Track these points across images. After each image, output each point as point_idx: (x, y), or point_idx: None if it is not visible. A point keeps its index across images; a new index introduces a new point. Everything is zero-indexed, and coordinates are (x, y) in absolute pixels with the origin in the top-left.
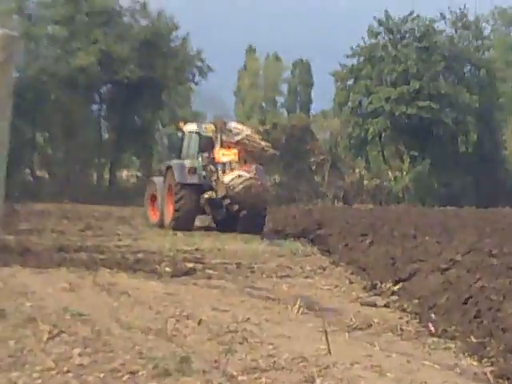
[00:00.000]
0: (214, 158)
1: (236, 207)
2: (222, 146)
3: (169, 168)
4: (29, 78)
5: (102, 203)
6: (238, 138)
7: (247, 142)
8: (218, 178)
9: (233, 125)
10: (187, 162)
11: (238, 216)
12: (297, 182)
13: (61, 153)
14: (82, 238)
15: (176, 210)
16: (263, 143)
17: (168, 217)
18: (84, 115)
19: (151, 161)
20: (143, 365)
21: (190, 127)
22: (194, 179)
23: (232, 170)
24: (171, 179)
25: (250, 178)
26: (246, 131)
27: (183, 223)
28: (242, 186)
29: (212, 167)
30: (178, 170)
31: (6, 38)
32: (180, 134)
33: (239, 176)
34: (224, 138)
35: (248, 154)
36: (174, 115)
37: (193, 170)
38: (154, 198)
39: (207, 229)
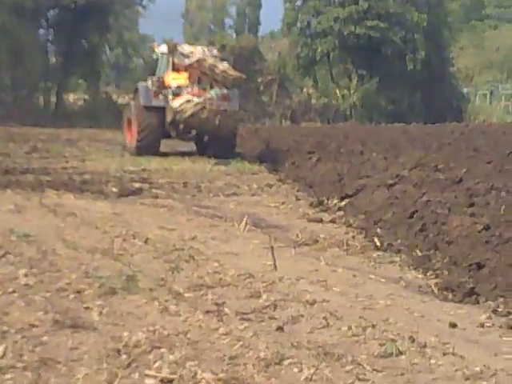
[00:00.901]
0: (163, 82)
1: (193, 132)
2: (173, 69)
3: (136, 90)
4: None
5: (48, 126)
6: (190, 61)
7: (202, 65)
8: (167, 102)
9: (185, 47)
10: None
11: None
12: (244, 102)
13: (7, 78)
14: (29, 160)
15: (139, 133)
16: (222, 66)
17: (133, 140)
18: (31, 40)
19: (99, 84)
20: (89, 284)
21: (162, 49)
22: (158, 102)
23: (181, 94)
24: (137, 102)
25: (199, 102)
26: (200, 54)
27: (147, 147)
28: (190, 111)
29: (163, 91)
30: (143, 93)
31: None
32: (154, 56)
33: (188, 101)
34: (176, 60)
35: (208, 78)
36: (122, 38)
37: (158, 92)
38: (130, 122)
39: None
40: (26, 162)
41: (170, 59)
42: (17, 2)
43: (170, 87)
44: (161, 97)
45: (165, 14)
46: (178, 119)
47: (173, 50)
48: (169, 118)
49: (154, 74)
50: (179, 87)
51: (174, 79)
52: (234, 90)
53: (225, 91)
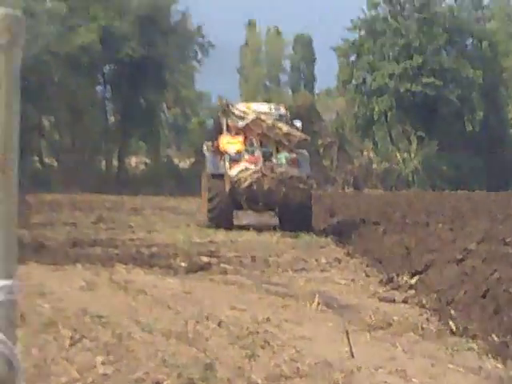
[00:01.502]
0: (218, 147)
1: (259, 202)
2: (228, 131)
3: (197, 155)
4: (31, 58)
5: (111, 192)
6: (244, 122)
7: (259, 125)
8: (225, 170)
9: (239, 107)
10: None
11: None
12: None
13: (68, 138)
14: (96, 230)
15: (208, 203)
16: (285, 127)
17: (204, 211)
18: (89, 97)
19: (159, 145)
20: (168, 373)
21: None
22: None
23: (239, 161)
24: (205, 169)
25: (257, 171)
26: (255, 114)
27: (218, 218)
28: (248, 181)
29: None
30: (209, 159)
31: (9, 18)
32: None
33: (245, 169)
34: (229, 122)
35: (271, 141)
36: (179, 96)
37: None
38: None
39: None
40: (94, 233)
41: (224, 121)
42: (73, 56)
43: (226, 152)
44: (222, 164)
45: (220, 70)
46: (237, 189)
47: (225, 110)
48: (227, 187)
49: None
50: (238, 152)
51: (229, 143)
52: (304, 153)
53: (294, 155)
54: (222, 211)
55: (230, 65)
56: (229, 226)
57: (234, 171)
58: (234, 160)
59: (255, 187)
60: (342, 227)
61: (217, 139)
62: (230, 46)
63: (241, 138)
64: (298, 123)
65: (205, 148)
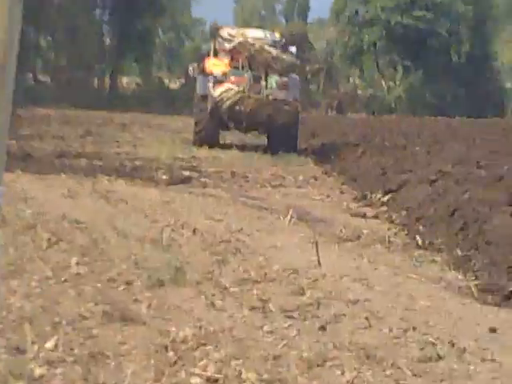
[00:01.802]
0: (203, 68)
1: (244, 122)
2: (215, 54)
3: (187, 76)
4: None
5: (102, 109)
6: (231, 45)
7: (249, 49)
8: (208, 90)
9: (227, 30)
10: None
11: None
12: None
13: (63, 58)
14: (82, 144)
15: (196, 124)
16: (274, 51)
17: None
18: (87, 20)
19: (151, 67)
20: (139, 275)
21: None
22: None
23: (222, 81)
24: (196, 91)
25: (239, 91)
26: (243, 39)
27: (204, 138)
28: (229, 100)
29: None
30: (200, 81)
31: None
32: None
33: (228, 89)
34: (217, 45)
35: (260, 64)
36: (174, 22)
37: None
38: None
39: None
40: (80, 146)
41: (212, 43)
42: None
43: (211, 74)
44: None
45: None
46: (219, 109)
47: (213, 32)
48: (209, 107)
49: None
50: (224, 74)
51: (214, 65)
52: (295, 78)
53: (285, 79)
54: (208, 132)
55: None
56: (214, 145)
57: (217, 91)
58: (220, 81)
59: (238, 107)
60: (322, 148)
61: (203, 61)
62: None
63: (227, 60)
64: (293, 49)
65: (190, 69)
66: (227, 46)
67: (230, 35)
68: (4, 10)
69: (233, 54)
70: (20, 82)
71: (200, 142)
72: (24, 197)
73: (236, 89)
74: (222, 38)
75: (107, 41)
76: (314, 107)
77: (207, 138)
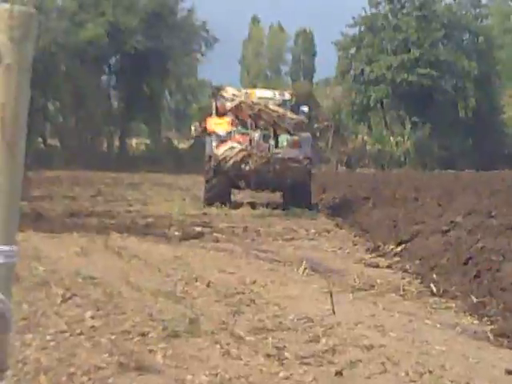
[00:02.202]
0: (205, 128)
1: (252, 181)
2: (217, 114)
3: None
4: (40, 50)
5: (112, 170)
6: (232, 104)
7: (251, 108)
8: (208, 152)
9: (229, 90)
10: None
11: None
12: None
13: (72, 122)
14: (93, 203)
15: (206, 182)
16: (280, 110)
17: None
18: (94, 85)
19: (160, 128)
20: (153, 326)
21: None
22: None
23: (225, 140)
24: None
25: (242, 149)
26: (242, 99)
27: (215, 197)
28: (233, 159)
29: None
30: (208, 141)
31: (22, 14)
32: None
33: (231, 148)
34: (218, 104)
35: (266, 121)
36: (181, 84)
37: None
38: None
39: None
40: (91, 205)
41: (213, 103)
42: (80, 48)
43: (214, 133)
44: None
45: (222, 60)
46: (222, 167)
47: (214, 92)
48: (212, 165)
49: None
50: (228, 133)
51: (216, 124)
52: (306, 136)
53: (296, 137)
54: (218, 191)
55: (232, 57)
56: (225, 203)
57: (220, 150)
58: (224, 140)
59: (243, 165)
60: (333, 202)
61: (205, 120)
62: (233, 39)
63: (228, 119)
64: (305, 108)
65: (193, 129)
66: (229, 105)
67: (232, 95)
68: (13, 82)
69: (235, 113)
70: (30, 146)
71: (210, 201)
72: (37, 255)
73: (239, 147)
74: (223, 97)
75: (115, 104)
76: (324, 163)
77: (217, 196)
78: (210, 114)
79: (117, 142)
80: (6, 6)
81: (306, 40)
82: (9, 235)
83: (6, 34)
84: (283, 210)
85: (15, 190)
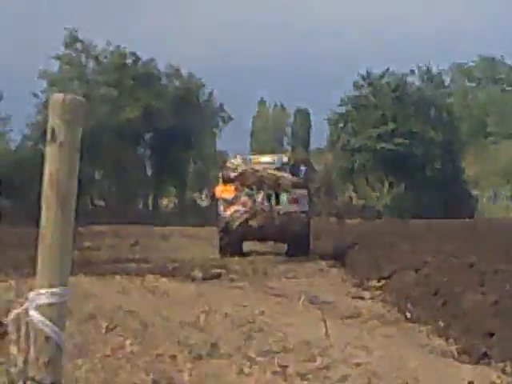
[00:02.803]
0: (214, 194)
1: (259, 235)
2: (223, 181)
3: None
4: (87, 130)
5: (147, 224)
6: (235, 173)
7: (253, 175)
8: (218, 213)
9: (232, 161)
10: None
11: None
12: None
13: (113, 186)
14: (132, 251)
15: (220, 239)
16: (278, 174)
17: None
18: (131, 156)
19: (185, 190)
20: (181, 350)
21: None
22: None
23: (232, 203)
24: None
25: (246, 212)
26: (245, 168)
27: (227, 248)
28: (238, 221)
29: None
30: (218, 205)
31: (73, 102)
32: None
33: (236, 211)
34: (224, 173)
35: (267, 184)
36: (202, 154)
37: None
38: None
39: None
40: (130, 253)
41: (220, 173)
42: (120, 127)
43: (221, 198)
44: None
45: (235, 132)
46: (230, 228)
47: (222, 164)
48: (221, 226)
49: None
50: (235, 197)
51: (222, 191)
52: (303, 193)
53: (295, 195)
54: (231, 245)
55: (244, 129)
56: (238, 253)
57: (227, 213)
58: (231, 203)
59: (250, 223)
60: (326, 247)
61: (214, 188)
62: (244, 116)
63: (234, 186)
64: (303, 167)
65: (203, 195)
66: (232, 175)
67: (234, 165)
68: (65, 156)
69: (240, 180)
70: (80, 207)
71: (224, 252)
72: (85, 294)
73: (243, 209)
74: (228, 168)
75: (149, 171)
76: (317, 216)
77: (230, 248)
78: (217, 182)
79: (150, 202)
80: (60, 95)
81: (303, 117)
82: (62, 279)
83: (59, 117)
84: (286, 255)
85: (67, 242)
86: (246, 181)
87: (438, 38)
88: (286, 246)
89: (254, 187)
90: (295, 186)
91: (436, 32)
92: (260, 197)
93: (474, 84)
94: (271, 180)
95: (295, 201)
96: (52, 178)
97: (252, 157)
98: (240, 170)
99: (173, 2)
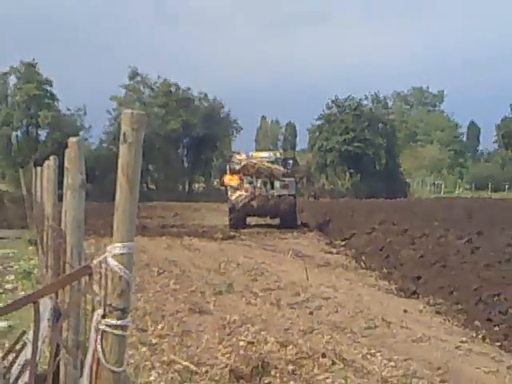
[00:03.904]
0: (223, 181)
1: (258, 213)
2: (230, 172)
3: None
4: (146, 135)
5: (184, 201)
6: (238, 166)
7: (253, 167)
8: (227, 197)
9: (236, 157)
10: None
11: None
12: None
13: (162, 175)
14: (174, 220)
15: (229, 215)
16: (275, 166)
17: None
18: (174, 155)
19: (210, 178)
20: (208, 288)
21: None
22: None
23: (237, 189)
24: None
25: (247, 196)
26: (247, 161)
27: (234, 224)
28: (241, 203)
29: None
30: (228, 190)
31: (138, 115)
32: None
33: (239, 196)
34: (231, 166)
35: (264, 175)
36: (222, 154)
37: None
38: None
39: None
40: (173, 221)
41: (228, 166)
42: (167, 134)
43: (228, 185)
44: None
45: (244, 139)
46: (235, 208)
47: (228, 159)
48: (229, 207)
49: None
50: (239, 184)
51: (229, 180)
52: (292, 180)
53: (284, 182)
54: (237, 221)
55: (250, 137)
56: (242, 227)
57: (233, 196)
58: (236, 189)
59: (250, 204)
60: (307, 218)
61: (223, 178)
62: (251, 127)
63: (237, 176)
64: (290, 161)
65: (215, 183)
66: (237, 167)
67: (238, 160)
68: (132, 152)
69: (242, 171)
70: (140, 189)
71: (232, 227)
72: (142, 249)
73: (245, 194)
74: (233, 162)
75: (186, 165)
76: (301, 197)
77: (237, 223)
78: (226, 173)
79: (187, 186)
80: (130, 110)
81: (291, 128)
82: (130, 237)
83: (129, 126)
84: (279, 227)
85: (133, 212)
86: (247, 171)
87: (383, 74)
88: (278, 220)
89: (254, 176)
90: (285, 175)
91: (380, 69)
92: (258, 183)
93: (408, 106)
94: (267, 171)
95: (285, 186)
96: (123, 168)
97: (253, 153)
98: (243, 163)
99: (203, 49)
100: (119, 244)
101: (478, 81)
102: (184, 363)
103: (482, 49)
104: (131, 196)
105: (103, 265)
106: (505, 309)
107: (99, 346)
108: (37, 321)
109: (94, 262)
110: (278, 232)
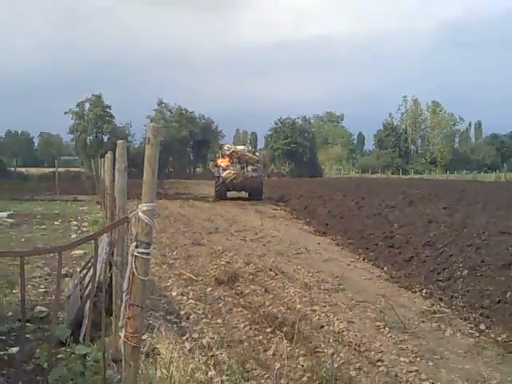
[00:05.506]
0: (216, 163)
1: (237, 188)
2: (221, 157)
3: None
4: (164, 139)
5: (190, 179)
6: (228, 152)
7: (237, 154)
8: (219, 174)
9: (226, 146)
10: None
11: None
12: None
13: (176, 163)
14: (184, 190)
15: (215, 189)
16: (250, 155)
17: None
18: (184, 151)
19: (206, 164)
20: (203, 230)
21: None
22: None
23: (226, 169)
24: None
25: (234, 173)
26: (234, 149)
27: (219, 195)
28: (230, 178)
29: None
30: (216, 170)
31: (156, 128)
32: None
33: (229, 173)
34: (221, 153)
35: (243, 160)
36: (213, 151)
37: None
38: None
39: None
40: (183, 190)
41: (219, 153)
42: (179, 139)
43: (220, 166)
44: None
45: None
46: (225, 182)
47: (220, 148)
48: (220, 181)
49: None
50: (227, 166)
51: (221, 162)
52: (260, 166)
53: (255, 167)
54: (221, 193)
55: (230, 141)
56: (224, 198)
57: (224, 174)
58: (225, 169)
59: (234, 181)
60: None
61: (216, 161)
62: (230, 136)
63: (227, 159)
64: (258, 153)
65: (210, 165)
66: (226, 153)
67: (227, 149)
68: (153, 150)
69: (229, 157)
70: (159, 171)
71: (217, 198)
72: (164, 207)
73: (232, 173)
74: (223, 150)
75: (191, 157)
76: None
77: (221, 195)
78: (218, 157)
79: (192, 169)
80: (153, 123)
81: (254, 136)
82: (152, 199)
83: (151, 133)
84: (248, 198)
85: (154, 185)
86: (232, 157)
87: (308, 104)
88: (250, 194)
89: (236, 161)
90: (256, 162)
91: (306, 102)
92: (238, 167)
93: (323, 123)
94: (245, 158)
95: (256, 170)
96: (147, 159)
97: (235, 146)
98: (230, 151)
99: (204, 83)
100: (145, 204)
101: (364, 108)
102: (188, 274)
103: (368, 88)
104: (152, 176)
105: (136, 216)
106: (376, 242)
107: (134, 265)
108: (97, 249)
109: (130, 215)
110: (248, 202)
